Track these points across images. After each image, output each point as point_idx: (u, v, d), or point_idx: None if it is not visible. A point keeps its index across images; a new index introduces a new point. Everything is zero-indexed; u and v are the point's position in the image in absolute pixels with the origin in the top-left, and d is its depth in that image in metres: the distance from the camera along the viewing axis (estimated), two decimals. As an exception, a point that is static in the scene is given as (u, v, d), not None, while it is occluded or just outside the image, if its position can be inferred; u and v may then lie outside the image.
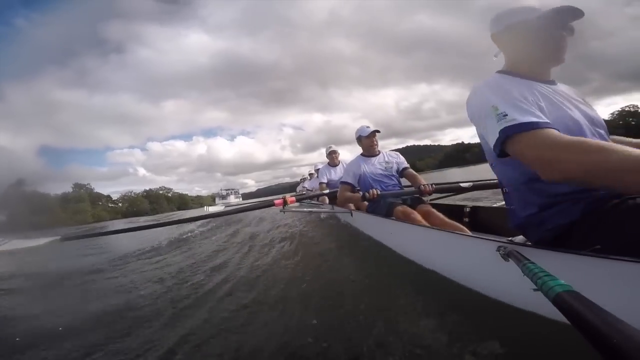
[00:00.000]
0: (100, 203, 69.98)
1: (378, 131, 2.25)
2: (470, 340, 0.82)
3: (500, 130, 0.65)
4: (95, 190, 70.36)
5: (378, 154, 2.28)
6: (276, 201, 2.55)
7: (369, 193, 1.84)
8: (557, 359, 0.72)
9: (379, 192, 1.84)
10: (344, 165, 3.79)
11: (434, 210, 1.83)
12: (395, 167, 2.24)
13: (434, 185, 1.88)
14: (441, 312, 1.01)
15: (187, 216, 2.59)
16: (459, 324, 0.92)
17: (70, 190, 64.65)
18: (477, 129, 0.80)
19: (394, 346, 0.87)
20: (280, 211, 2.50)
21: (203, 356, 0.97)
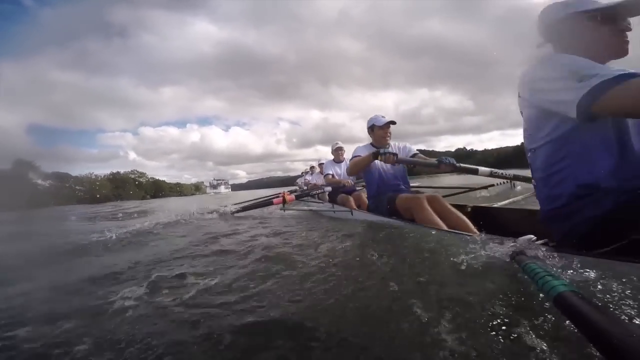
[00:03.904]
0: (67, 185, 66.32)
1: (393, 122, 2.26)
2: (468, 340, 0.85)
3: (595, 86, 0.65)
4: (44, 170, 66.45)
5: (388, 148, 2.29)
6: (275, 200, 2.62)
7: (383, 155, 1.79)
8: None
9: (397, 157, 1.81)
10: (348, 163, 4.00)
11: (439, 197, 1.87)
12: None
13: (452, 162, 1.85)
14: (438, 311, 1.04)
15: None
16: (456, 323, 0.94)
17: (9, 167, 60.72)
18: (535, 101, 0.83)
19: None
20: (281, 209, 2.62)
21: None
